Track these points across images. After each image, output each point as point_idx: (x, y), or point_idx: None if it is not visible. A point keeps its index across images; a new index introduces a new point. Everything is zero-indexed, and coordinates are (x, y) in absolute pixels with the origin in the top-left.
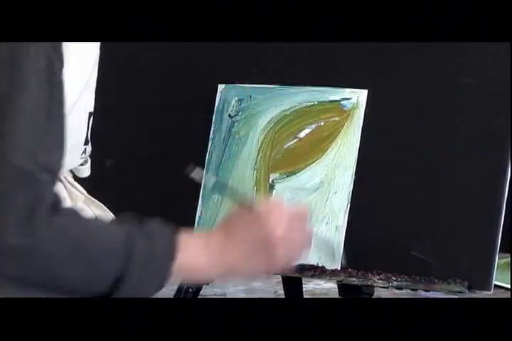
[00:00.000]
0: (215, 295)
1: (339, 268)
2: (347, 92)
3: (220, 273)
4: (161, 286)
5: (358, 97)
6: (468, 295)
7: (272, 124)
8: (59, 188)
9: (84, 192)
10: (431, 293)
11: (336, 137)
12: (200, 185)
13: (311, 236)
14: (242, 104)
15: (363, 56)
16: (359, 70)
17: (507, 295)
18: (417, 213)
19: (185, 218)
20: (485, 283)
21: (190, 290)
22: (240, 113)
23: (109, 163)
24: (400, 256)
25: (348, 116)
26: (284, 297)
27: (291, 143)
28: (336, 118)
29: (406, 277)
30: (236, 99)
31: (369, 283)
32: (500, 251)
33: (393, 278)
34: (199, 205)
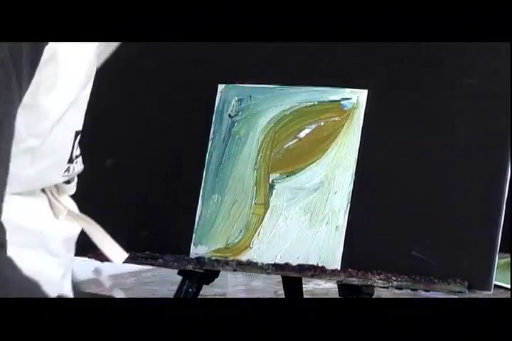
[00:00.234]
0: (215, 295)
1: (339, 268)
2: (347, 92)
3: None
4: None
5: (358, 97)
6: (468, 295)
7: (272, 124)
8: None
9: (70, 205)
10: (431, 293)
11: (336, 137)
12: (200, 185)
13: None
14: (242, 104)
15: (363, 56)
16: (359, 70)
17: (507, 295)
18: (417, 213)
19: (185, 218)
20: (485, 283)
21: (190, 290)
22: (239, 113)
23: (109, 163)
24: (400, 256)
25: (348, 116)
26: (284, 297)
27: (291, 143)
28: (336, 118)
29: (406, 277)
30: (236, 99)
31: (369, 283)
32: (500, 251)
33: (393, 278)
34: (199, 205)
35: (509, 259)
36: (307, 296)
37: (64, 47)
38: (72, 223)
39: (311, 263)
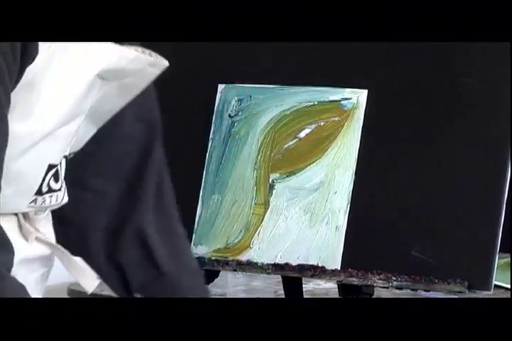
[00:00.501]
0: (215, 295)
1: (339, 268)
2: (347, 92)
3: None
4: None
5: (358, 97)
6: (468, 295)
7: (272, 124)
8: None
9: (45, 230)
10: (431, 293)
11: (336, 137)
12: (200, 185)
13: None
14: (242, 104)
15: (363, 56)
16: (359, 70)
17: (507, 295)
18: (417, 213)
19: (185, 218)
20: (485, 283)
21: None
22: (239, 113)
23: None
24: (400, 256)
25: (348, 116)
26: (284, 297)
27: (291, 143)
28: (336, 118)
29: (406, 277)
30: (236, 99)
31: (369, 283)
32: (500, 251)
33: (393, 278)
34: (199, 205)
35: (509, 259)
36: (307, 296)
37: (51, 77)
38: (41, 245)
39: (311, 263)
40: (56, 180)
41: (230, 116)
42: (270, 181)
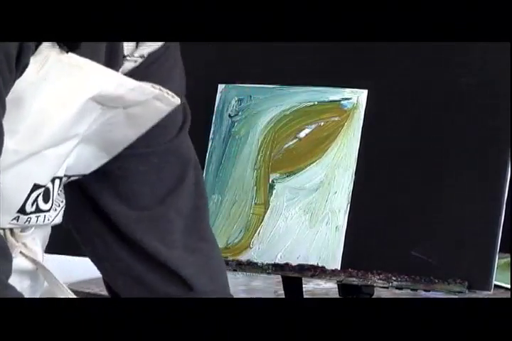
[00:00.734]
0: None
1: (339, 268)
2: (347, 92)
3: None
4: None
5: (358, 97)
6: (468, 295)
7: (272, 124)
8: None
9: (32, 246)
10: (431, 293)
11: (336, 137)
12: None
13: None
14: (242, 104)
15: (363, 56)
16: (359, 70)
17: (507, 295)
18: (417, 213)
19: None
20: (485, 283)
21: None
22: (239, 113)
23: None
24: (400, 256)
25: (348, 116)
26: (284, 297)
27: (291, 143)
28: (336, 118)
29: (406, 277)
30: (236, 99)
31: (369, 283)
32: (500, 251)
33: (393, 278)
34: None
35: (509, 259)
36: (307, 296)
37: (40, 97)
38: (26, 260)
39: (311, 263)
40: (46, 200)
41: (230, 116)
42: (270, 181)
